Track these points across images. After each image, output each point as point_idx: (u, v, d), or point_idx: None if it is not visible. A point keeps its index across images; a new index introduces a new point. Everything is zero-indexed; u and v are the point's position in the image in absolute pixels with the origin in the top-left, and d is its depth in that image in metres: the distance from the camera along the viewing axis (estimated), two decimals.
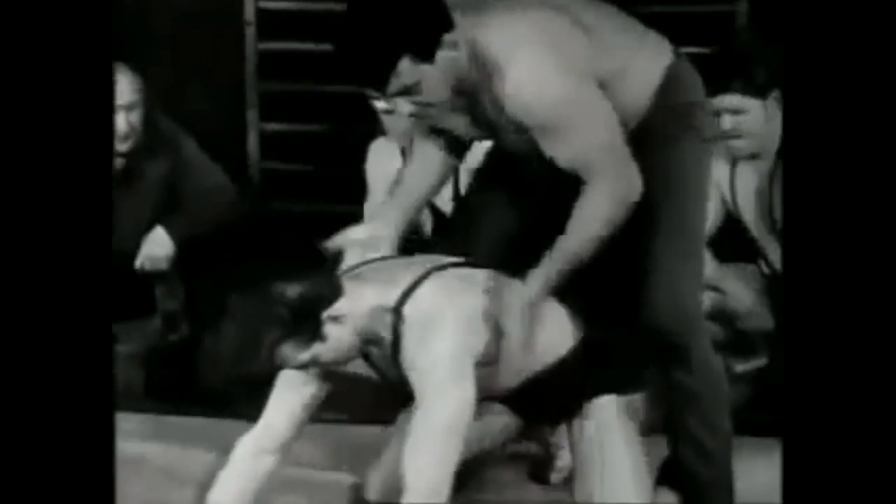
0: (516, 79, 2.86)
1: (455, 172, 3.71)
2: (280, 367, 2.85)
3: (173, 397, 4.09)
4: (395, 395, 2.93)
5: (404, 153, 4.12)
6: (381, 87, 2.86)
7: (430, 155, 3.21)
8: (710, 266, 3.94)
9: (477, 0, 2.98)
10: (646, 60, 3.06)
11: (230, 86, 5.23)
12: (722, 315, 4.01)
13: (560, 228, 2.94)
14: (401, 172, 3.31)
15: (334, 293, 2.79)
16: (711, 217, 4.00)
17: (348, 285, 2.83)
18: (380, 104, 3.38)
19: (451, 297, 2.85)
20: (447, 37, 2.85)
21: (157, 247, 4.08)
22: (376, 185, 4.35)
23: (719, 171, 3.98)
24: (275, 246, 4.84)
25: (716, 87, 3.68)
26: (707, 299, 3.93)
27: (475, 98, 2.95)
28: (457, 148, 3.21)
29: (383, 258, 3.03)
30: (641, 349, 3.09)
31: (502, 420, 3.12)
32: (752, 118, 3.79)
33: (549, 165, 2.95)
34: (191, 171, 4.18)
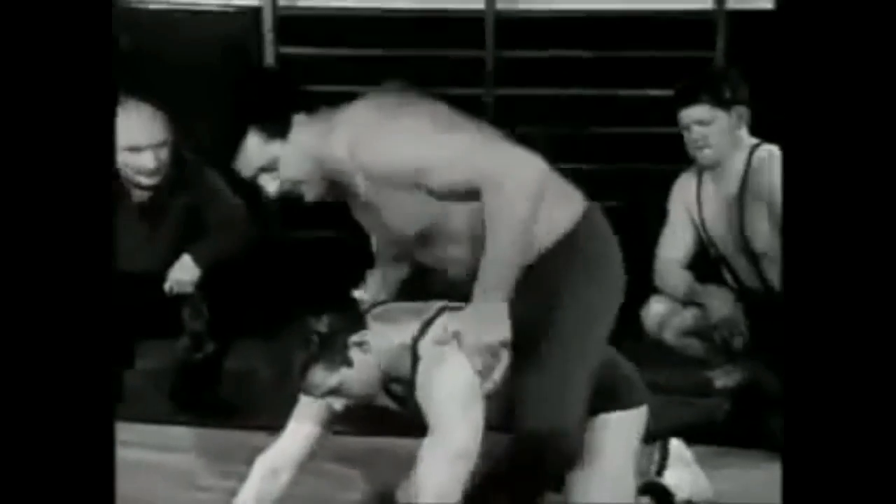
0: (379, 138, 2.78)
1: None
2: (309, 393, 2.88)
3: (197, 409, 4.13)
4: (413, 424, 2.90)
5: None
6: (239, 162, 2.84)
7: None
8: (687, 283, 4.01)
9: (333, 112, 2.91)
10: (554, 205, 2.87)
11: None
12: (701, 329, 3.99)
13: None
14: None
15: (360, 326, 2.84)
16: (685, 240, 4.09)
17: (373, 324, 2.87)
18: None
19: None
20: (298, 117, 2.83)
21: (183, 272, 4.08)
22: None
23: (688, 195, 4.07)
24: (297, 272, 4.88)
25: (686, 100, 3.90)
26: (689, 315, 4.01)
27: (349, 184, 2.85)
28: None
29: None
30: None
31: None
32: (718, 128, 3.88)
33: None
34: (214, 201, 4.16)
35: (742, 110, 3.89)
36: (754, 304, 3.94)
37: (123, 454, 3.58)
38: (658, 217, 4.32)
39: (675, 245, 4.09)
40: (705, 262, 4.14)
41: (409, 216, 2.84)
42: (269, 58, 5.30)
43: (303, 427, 2.99)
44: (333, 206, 4.87)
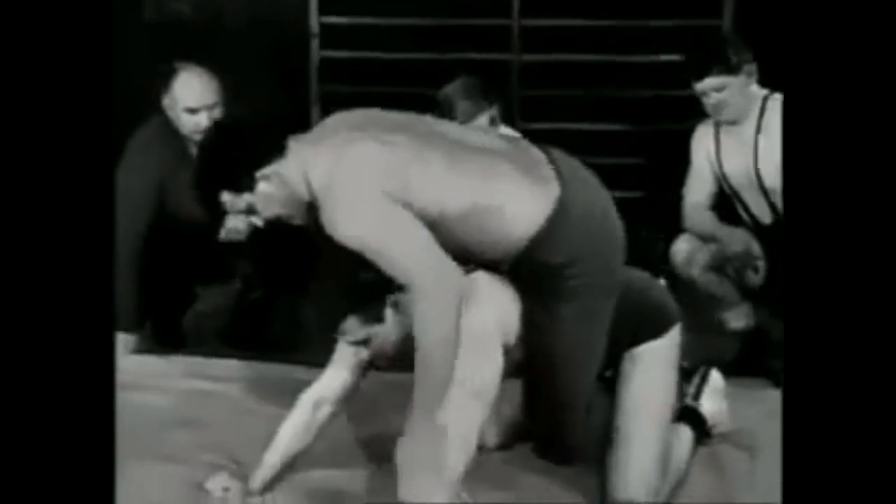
0: (330, 211, 2.74)
1: None
2: (342, 339, 2.90)
3: (249, 346, 4.20)
4: None
5: None
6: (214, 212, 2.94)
7: None
8: (711, 221, 4.10)
9: (322, 131, 2.92)
10: (528, 196, 2.79)
11: (297, 86, 5.37)
12: (720, 264, 4.08)
13: None
14: None
15: (398, 288, 2.79)
16: (707, 183, 4.16)
17: None
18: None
19: (491, 284, 2.81)
20: (264, 171, 2.84)
21: (237, 221, 4.16)
22: None
23: (706, 143, 4.15)
24: None
25: (699, 74, 3.98)
26: (710, 250, 4.08)
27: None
28: None
29: None
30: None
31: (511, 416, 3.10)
32: (731, 92, 3.98)
33: None
34: None
35: (750, 68, 3.98)
36: (766, 239, 4.03)
37: (182, 384, 3.75)
38: (668, 171, 4.38)
39: (699, 189, 4.18)
40: (726, 205, 4.21)
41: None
42: (314, 26, 5.35)
43: (340, 368, 3.01)
44: None
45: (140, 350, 4.11)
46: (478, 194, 2.77)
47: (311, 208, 2.83)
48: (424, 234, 2.71)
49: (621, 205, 2.98)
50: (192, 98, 4.03)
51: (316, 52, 5.38)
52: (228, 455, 3.17)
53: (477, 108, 3.77)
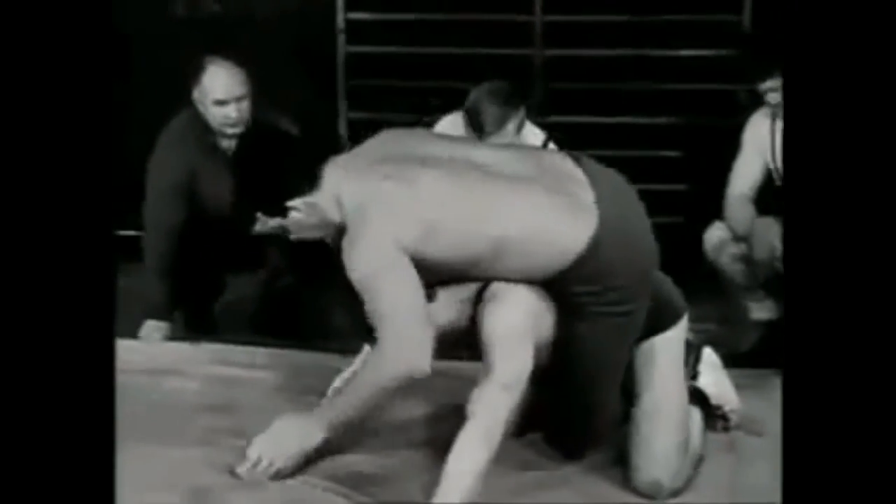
0: (347, 243, 2.79)
1: None
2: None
3: (278, 333, 4.18)
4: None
5: None
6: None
7: None
8: (749, 219, 4.08)
9: (358, 158, 2.94)
10: (566, 226, 2.77)
11: (325, 80, 5.38)
12: (747, 258, 4.09)
13: None
14: None
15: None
16: (754, 173, 4.13)
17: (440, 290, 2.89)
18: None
19: (516, 286, 2.82)
20: (297, 203, 2.91)
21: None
22: None
23: (762, 130, 4.12)
24: None
25: (763, 73, 3.99)
26: (737, 245, 4.09)
27: None
28: None
29: None
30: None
31: None
32: None
33: None
34: (291, 150, 4.15)
35: None
36: None
37: (213, 370, 3.77)
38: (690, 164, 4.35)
39: (745, 179, 4.14)
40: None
41: None
42: (341, 22, 5.37)
43: None
44: None
45: (172, 337, 4.13)
46: (512, 228, 2.76)
47: (340, 231, 2.86)
48: (411, 301, 2.75)
49: (644, 196, 2.97)
50: (220, 90, 4.05)
51: (343, 47, 5.39)
52: None
53: (505, 114, 3.75)
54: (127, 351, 3.85)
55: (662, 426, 2.94)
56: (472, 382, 2.79)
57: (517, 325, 2.76)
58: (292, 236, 2.99)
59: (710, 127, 5.19)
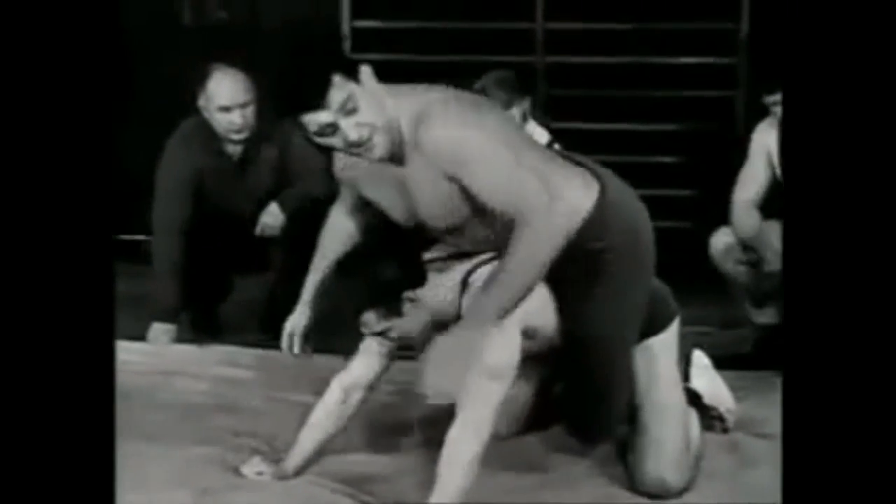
0: (443, 122, 2.63)
1: None
2: (363, 330, 2.85)
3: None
4: None
5: None
6: (320, 100, 2.61)
7: (341, 220, 3.08)
8: (755, 227, 4.04)
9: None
10: (579, 183, 2.72)
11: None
12: (753, 262, 4.08)
13: None
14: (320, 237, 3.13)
15: (420, 281, 2.78)
16: (760, 180, 4.10)
17: (430, 274, 2.81)
18: (319, 127, 2.70)
19: None
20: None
21: (271, 217, 4.14)
22: None
23: (768, 139, 4.08)
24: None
25: (770, 90, 3.96)
26: (743, 252, 4.06)
27: (401, 157, 2.70)
28: (365, 210, 3.01)
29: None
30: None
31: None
32: None
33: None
34: (297, 155, 4.16)
35: None
36: None
37: (219, 371, 3.77)
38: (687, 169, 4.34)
39: (751, 186, 4.10)
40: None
41: (444, 208, 2.72)
42: (345, 29, 5.37)
43: (368, 356, 3.01)
44: None
45: (179, 339, 4.13)
46: (541, 179, 2.66)
47: (394, 138, 2.69)
48: (535, 160, 2.64)
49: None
50: (225, 97, 4.06)
51: (347, 54, 5.39)
52: (263, 440, 3.18)
53: (510, 99, 3.76)
54: (135, 353, 3.90)
55: (671, 426, 2.92)
56: None
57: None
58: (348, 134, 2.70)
59: (708, 133, 5.20)
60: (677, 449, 2.92)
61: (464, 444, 2.64)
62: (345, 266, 2.94)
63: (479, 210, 2.68)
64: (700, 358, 3.28)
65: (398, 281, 2.79)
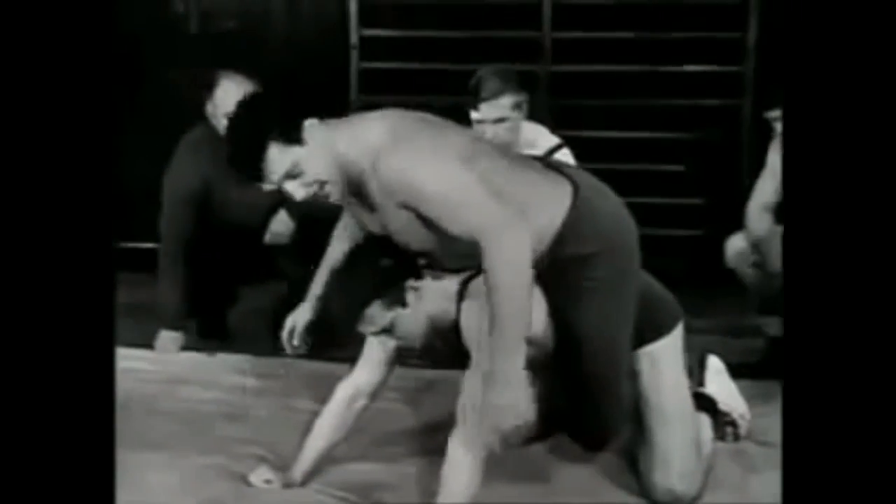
0: (396, 154, 2.60)
1: None
2: (366, 329, 2.82)
3: None
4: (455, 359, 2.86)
5: None
6: (258, 174, 2.64)
7: (351, 222, 3.06)
8: (768, 231, 4.01)
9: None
10: (549, 194, 2.73)
11: (338, 96, 5.36)
12: (760, 264, 4.06)
13: None
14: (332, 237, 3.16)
15: (418, 275, 2.78)
16: (776, 189, 4.08)
17: (426, 274, 2.81)
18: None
19: None
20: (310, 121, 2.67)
21: (281, 225, 4.13)
22: None
23: (774, 154, 4.08)
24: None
25: (770, 106, 4.00)
26: (757, 256, 4.04)
27: (363, 187, 2.67)
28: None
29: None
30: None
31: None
32: None
33: None
34: None
35: None
36: None
37: (227, 380, 3.76)
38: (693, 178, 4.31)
39: (767, 190, 4.07)
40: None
41: (411, 235, 2.70)
42: (353, 38, 5.36)
43: (371, 364, 3.00)
44: None
45: (187, 347, 4.11)
46: (505, 193, 2.66)
47: (354, 178, 2.68)
48: (483, 189, 2.59)
49: (645, 210, 2.94)
50: (232, 104, 4.01)
51: (356, 63, 5.38)
52: (270, 448, 3.17)
53: (503, 88, 3.68)
54: (142, 361, 3.88)
55: (677, 433, 2.90)
56: None
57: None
58: (304, 183, 2.71)
59: (714, 142, 5.18)
60: (685, 457, 2.90)
61: (465, 452, 2.63)
62: (351, 261, 2.91)
63: (445, 234, 2.65)
64: (715, 363, 3.26)
65: (397, 270, 2.79)
